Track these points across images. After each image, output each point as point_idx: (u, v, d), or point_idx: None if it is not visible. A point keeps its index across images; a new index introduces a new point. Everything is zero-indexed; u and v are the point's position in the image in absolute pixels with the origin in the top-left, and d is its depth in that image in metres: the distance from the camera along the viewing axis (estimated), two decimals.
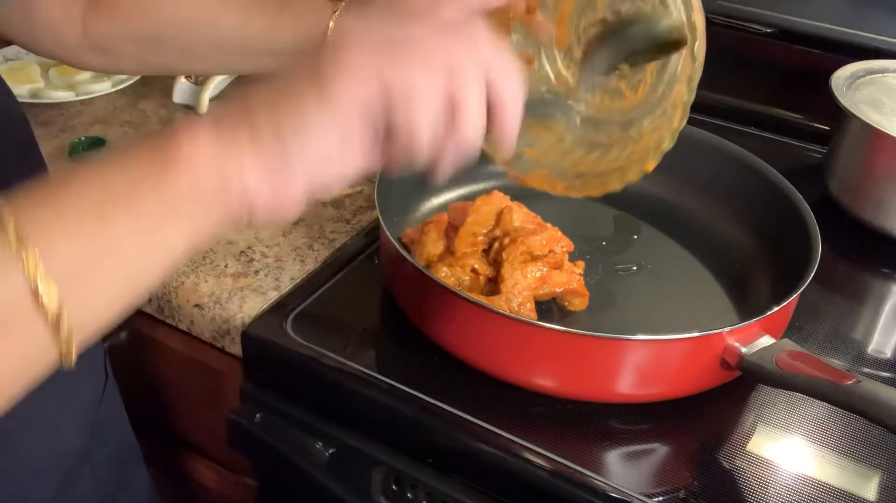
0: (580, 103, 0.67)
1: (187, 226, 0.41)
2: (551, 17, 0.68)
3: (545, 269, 0.72)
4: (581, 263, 0.76)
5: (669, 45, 0.62)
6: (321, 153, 0.42)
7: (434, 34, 0.44)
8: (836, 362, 0.73)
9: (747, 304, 0.76)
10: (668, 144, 0.61)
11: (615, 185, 0.63)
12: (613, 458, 0.65)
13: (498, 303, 0.69)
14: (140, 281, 0.41)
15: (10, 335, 0.37)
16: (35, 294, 0.37)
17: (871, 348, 0.77)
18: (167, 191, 0.40)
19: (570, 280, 0.73)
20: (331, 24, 0.69)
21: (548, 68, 0.69)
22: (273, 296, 0.78)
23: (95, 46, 0.73)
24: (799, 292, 0.67)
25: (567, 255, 0.75)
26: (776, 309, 0.65)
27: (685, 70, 0.61)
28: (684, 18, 0.60)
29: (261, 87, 0.42)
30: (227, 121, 0.42)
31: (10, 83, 0.69)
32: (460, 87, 0.43)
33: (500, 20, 0.70)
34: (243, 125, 0.41)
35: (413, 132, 0.43)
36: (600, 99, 0.66)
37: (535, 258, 0.72)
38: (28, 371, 0.39)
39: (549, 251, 0.73)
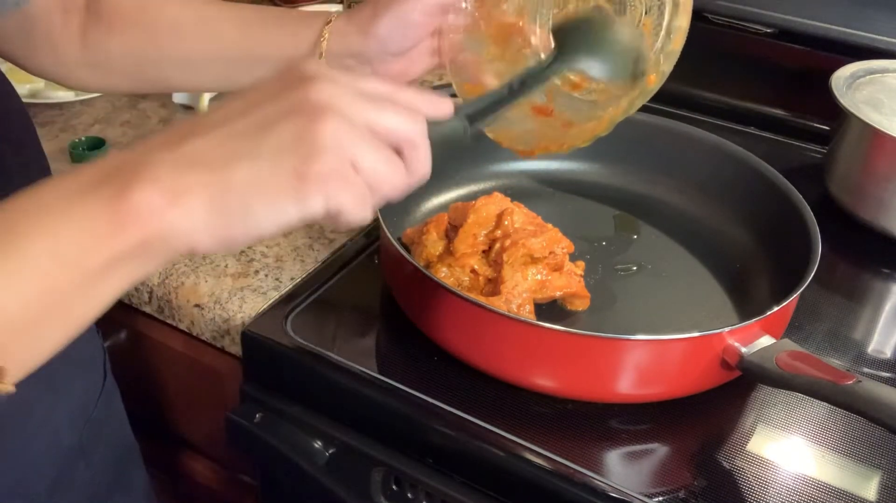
0: (586, 94, 0.68)
1: (130, 275, 0.42)
2: (547, 23, 0.69)
3: (545, 272, 0.72)
4: (581, 264, 0.76)
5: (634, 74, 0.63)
6: (265, 221, 0.42)
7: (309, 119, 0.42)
8: (836, 362, 0.73)
9: (747, 304, 0.76)
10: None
11: (623, 113, 0.64)
12: (613, 458, 0.65)
13: (497, 304, 0.69)
14: (79, 324, 0.43)
15: None
16: None
17: (871, 348, 0.77)
18: (116, 254, 0.40)
19: (569, 283, 0.73)
20: (325, 34, 0.69)
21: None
22: (273, 296, 0.78)
23: (93, 62, 0.73)
24: (799, 292, 0.67)
25: (567, 257, 0.75)
26: (776, 309, 0.65)
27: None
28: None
29: (206, 138, 0.42)
30: (180, 176, 0.41)
31: None
32: (356, 157, 0.42)
33: (494, 31, 0.71)
34: (199, 189, 0.41)
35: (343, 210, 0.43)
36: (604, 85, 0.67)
37: (535, 260, 0.72)
38: None
39: (550, 253, 0.73)
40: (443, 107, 0.48)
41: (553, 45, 0.62)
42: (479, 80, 0.70)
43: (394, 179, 0.44)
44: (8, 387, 0.40)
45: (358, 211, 0.43)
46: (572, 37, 0.62)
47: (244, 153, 0.41)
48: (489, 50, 0.71)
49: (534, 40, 0.71)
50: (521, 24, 0.70)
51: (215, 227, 0.41)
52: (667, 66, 0.62)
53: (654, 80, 0.63)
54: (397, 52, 0.70)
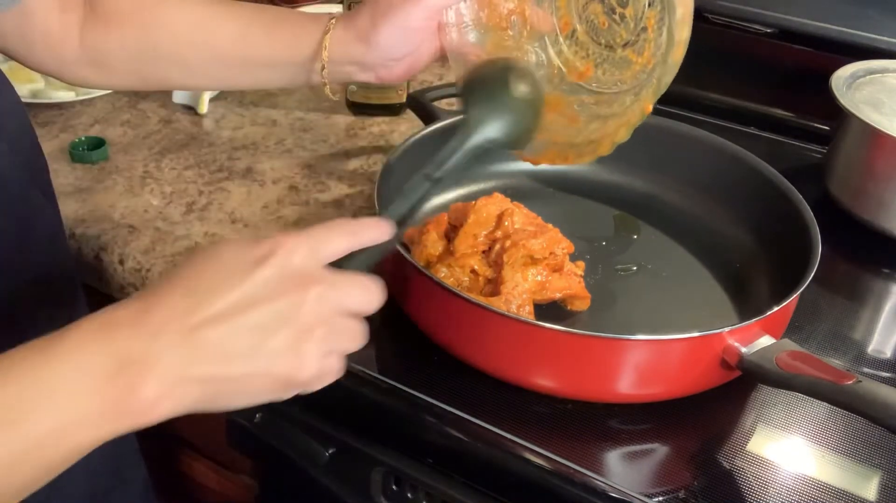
0: (592, 84, 0.68)
1: (105, 440, 0.46)
2: (551, 6, 0.69)
3: (545, 273, 0.72)
4: (581, 264, 0.76)
5: None
6: (240, 405, 0.49)
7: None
8: (836, 362, 0.73)
9: (747, 304, 0.76)
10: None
11: (624, 136, 0.64)
12: (613, 458, 0.65)
13: (497, 305, 0.69)
14: (51, 475, 0.46)
15: None
16: None
17: (871, 348, 0.77)
18: (107, 436, 0.45)
19: (569, 284, 0.73)
20: (325, 43, 0.69)
21: (556, 60, 0.69)
22: None
23: (92, 60, 0.73)
24: (799, 292, 0.67)
25: (567, 257, 0.75)
26: (776, 309, 0.65)
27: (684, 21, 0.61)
28: None
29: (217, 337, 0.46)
30: (184, 371, 0.45)
31: None
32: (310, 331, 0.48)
33: (496, 20, 0.70)
34: (197, 384, 0.46)
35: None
36: (610, 73, 0.66)
37: (535, 261, 0.72)
38: None
39: (550, 253, 0.73)
40: (387, 233, 0.54)
41: (464, 110, 0.63)
42: None
43: (351, 348, 0.51)
44: None
45: (327, 382, 0.51)
46: (478, 104, 0.62)
47: (243, 355, 0.46)
48: (491, 40, 0.70)
49: (536, 24, 0.70)
50: (523, 9, 0.70)
51: (197, 405, 0.47)
52: (667, 78, 0.62)
53: (650, 107, 0.63)
54: (400, 58, 0.70)
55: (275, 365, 0.47)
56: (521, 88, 0.63)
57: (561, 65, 0.69)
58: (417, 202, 0.58)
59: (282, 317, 0.47)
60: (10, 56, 0.73)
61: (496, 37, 0.70)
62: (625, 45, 0.65)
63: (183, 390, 0.45)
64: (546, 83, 0.69)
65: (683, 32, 0.60)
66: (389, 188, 0.76)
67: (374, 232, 0.53)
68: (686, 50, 0.61)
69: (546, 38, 0.70)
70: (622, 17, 0.65)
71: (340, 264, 0.51)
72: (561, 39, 0.69)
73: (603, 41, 0.67)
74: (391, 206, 0.57)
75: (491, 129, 0.62)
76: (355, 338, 0.51)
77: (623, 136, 0.63)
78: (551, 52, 0.70)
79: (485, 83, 0.64)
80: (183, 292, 0.47)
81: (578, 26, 0.68)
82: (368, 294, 0.51)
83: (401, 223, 0.56)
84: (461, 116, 0.63)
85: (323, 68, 0.70)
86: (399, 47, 0.69)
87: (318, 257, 0.49)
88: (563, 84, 0.69)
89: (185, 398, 0.46)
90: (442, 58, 0.72)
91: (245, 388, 0.48)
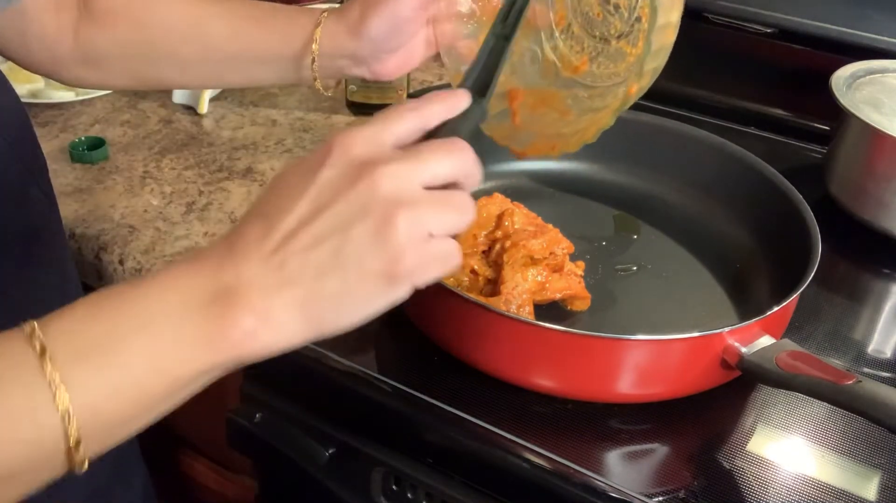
0: (586, 79, 0.68)
1: (215, 378, 0.45)
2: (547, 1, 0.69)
3: (545, 274, 0.72)
4: (581, 264, 0.76)
5: None
6: (356, 317, 0.46)
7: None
8: (836, 362, 0.73)
9: (747, 304, 0.76)
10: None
11: (608, 122, 0.63)
12: (613, 458, 0.65)
13: (497, 305, 0.69)
14: (157, 418, 0.45)
15: (27, 441, 0.41)
16: (62, 420, 0.40)
17: (871, 348, 0.77)
18: (209, 368, 0.44)
19: (569, 285, 0.73)
20: (316, 36, 0.69)
21: (551, 55, 0.69)
22: None
23: (87, 59, 0.73)
24: (799, 292, 0.67)
25: (567, 257, 0.75)
26: (776, 309, 0.65)
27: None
28: None
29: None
30: (276, 297, 0.44)
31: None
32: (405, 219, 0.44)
33: (489, 14, 0.70)
34: (293, 306, 0.44)
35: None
36: (605, 67, 0.66)
37: (535, 261, 0.72)
38: (38, 474, 0.43)
39: (550, 253, 0.73)
40: (461, 102, 0.49)
41: None
42: None
43: (459, 225, 0.46)
44: (83, 466, 0.42)
45: (445, 271, 0.46)
46: None
47: (329, 265, 0.44)
48: (484, 34, 0.70)
49: (532, 19, 0.70)
50: None
51: (307, 332, 0.44)
52: (652, 64, 0.62)
53: (635, 90, 0.62)
54: (392, 50, 0.69)
55: (366, 263, 0.43)
56: None
57: (556, 60, 0.69)
58: (495, 64, 0.52)
59: (356, 211, 0.43)
60: (6, 56, 0.73)
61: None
62: (619, 37, 0.65)
63: (282, 317, 0.43)
64: (540, 78, 0.69)
65: (672, 15, 0.60)
66: None
67: (445, 104, 0.48)
68: (676, 35, 0.60)
69: (541, 33, 0.70)
70: (616, 7, 0.65)
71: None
72: (556, 33, 0.69)
73: (598, 33, 0.67)
74: (467, 77, 0.52)
75: None
76: (458, 208, 0.45)
77: (607, 122, 0.63)
78: (546, 47, 0.70)
79: None
80: (256, 218, 0.45)
81: (574, 19, 0.68)
82: (454, 158, 0.46)
83: (482, 90, 0.51)
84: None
85: (313, 62, 0.70)
86: (390, 39, 0.69)
87: (382, 140, 0.46)
88: (558, 79, 0.69)
89: (287, 325, 0.44)
90: (438, 57, 0.72)
91: (348, 300, 0.44)
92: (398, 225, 0.43)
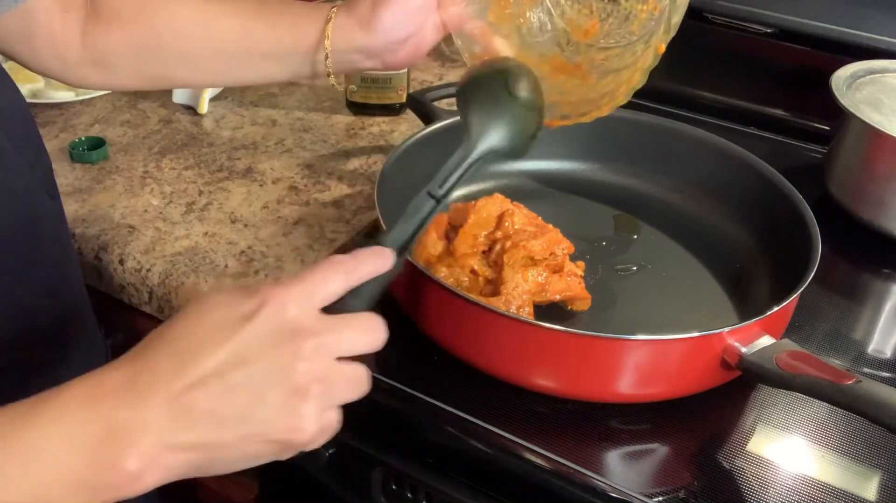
0: (599, 41, 0.67)
1: None
2: None
3: (545, 275, 0.72)
4: (581, 264, 0.76)
5: None
6: (239, 468, 0.46)
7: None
8: (836, 362, 0.73)
9: (747, 304, 0.76)
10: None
11: (640, 81, 0.63)
12: (613, 458, 0.65)
13: (497, 305, 0.69)
14: None
15: None
16: None
17: (871, 348, 0.77)
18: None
19: (569, 287, 0.73)
20: (328, 32, 0.69)
21: (560, 23, 0.69)
22: None
23: (95, 60, 0.73)
24: (799, 292, 0.67)
25: (567, 258, 0.75)
26: (776, 309, 0.65)
27: None
28: None
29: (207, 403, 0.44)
30: (173, 438, 0.43)
31: None
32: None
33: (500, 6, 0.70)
34: (187, 453, 0.44)
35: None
36: (617, 27, 0.66)
37: (535, 262, 0.72)
38: None
39: (550, 254, 0.73)
40: (386, 263, 0.51)
41: (464, 119, 0.61)
42: (490, 47, 0.69)
43: (353, 397, 0.48)
44: None
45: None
46: (478, 112, 0.60)
47: (233, 421, 0.44)
48: (493, 11, 0.70)
49: None
50: None
51: (190, 474, 0.45)
52: (676, 18, 0.61)
53: (663, 48, 0.62)
54: (403, 40, 0.69)
55: (270, 428, 0.44)
56: (521, 92, 0.61)
57: (566, 26, 0.68)
58: (421, 224, 0.55)
59: (275, 376, 0.44)
60: (12, 58, 0.73)
61: (497, 7, 0.70)
62: None
63: (171, 459, 0.43)
64: (553, 46, 0.68)
65: None
66: (389, 188, 0.76)
67: (373, 264, 0.50)
68: None
69: (548, 2, 0.69)
70: None
71: (339, 303, 0.48)
72: (564, 2, 0.69)
73: None
74: (392, 231, 0.54)
75: (493, 139, 0.60)
76: (357, 384, 0.48)
77: (639, 81, 0.62)
78: (555, 15, 0.69)
79: (482, 89, 0.62)
80: (169, 354, 0.44)
81: None
82: (369, 334, 0.48)
83: (403, 249, 0.53)
84: (460, 123, 0.61)
85: (326, 57, 0.70)
86: (401, 29, 0.69)
87: (313, 304, 0.46)
88: (570, 45, 0.69)
89: (174, 467, 0.44)
90: (438, 57, 0.72)
91: (240, 454, 0.45)
92: (309, 400, 0.45)
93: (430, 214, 0.56)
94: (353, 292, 0.49)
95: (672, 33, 0.61)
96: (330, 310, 0.47)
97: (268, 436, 0.45)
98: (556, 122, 0.68)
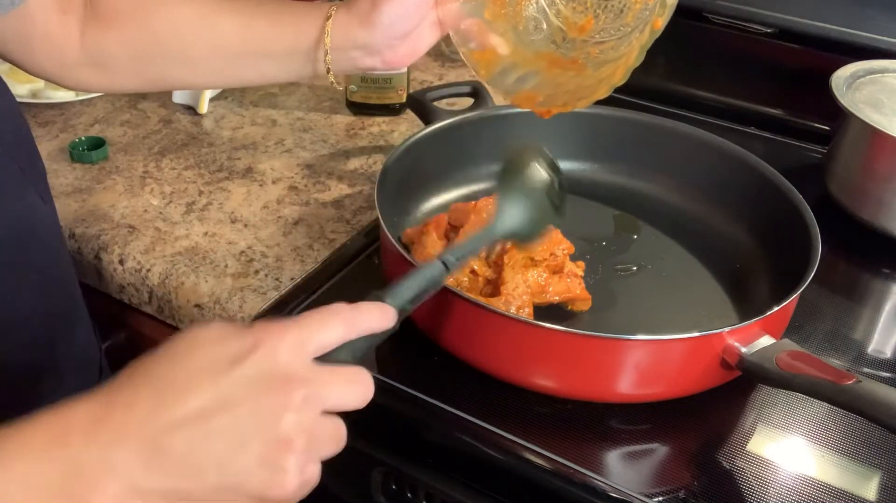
0: (594, 35, 0.67)
1: None
2: None
3: (546, 275, 0.72)
4: (581, 264, 0.76)
5: None
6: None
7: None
8: (836, 362, 0.73)
9: (747, 304, 0.76)
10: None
11: (637, 60, 0.63)
12: (613, 458, 0.65)
13: (497, 306, 0.69)
14: None
15: None
16: None
17: (871, 348, 0.77)
18: None
19: (569, 288, 0.73)
20: (328, 29, 0.69)
21: (556, 21, 0.69)
22: (273, 296, 0.78)
23: (93, 61, 0.73)
24: (799, 292, 0.67)
25: (568, 258, 0.75)
26: (776, 309, 0.65)
27: None
28: None
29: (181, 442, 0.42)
30: (143, 481, 0.41)
31: (10, 83, 0.68)
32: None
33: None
34: (157, 498, 0.41)
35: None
36: (611, 21, 0.66)
37: (535, 262, 0.72)
38: None
39: (550, 254, 0.73)
40: (387, 323, 0.50)
41: (500, 210, 0.64)
42: (486, 44, 0.69)
43: (331, 454, 0.46)
44: None
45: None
46: (514, 199, 0.64)
47: (209, 468, 0.41)
48: (489, 11, 0.70)
49: None
50: None
51: None
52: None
53: (661, 23, 0.62)
54: (402, 37, 0.69)
55: (248, 481, 0.42)
56: (557, 201, 0.66)
57: (561, 24, 0.69)
58: (426, 288, 0.54)
59: (260, 424, 0.42)
60: (10, 61, 0.73)
61: (494, 5, 0.70)
62: None
63: None
64: (549, 44, 0.68)
65: None
66: (389, 188, 0.77)
67: (375, 320, 0.49)
68: None
69: (542, 1, 0.69)
70: None
71: (328, 352, 0.47)
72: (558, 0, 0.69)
73: None
74: (396, 289, 0.53)
75: (518, 228, 0.64)
76: (339, 440, 0.46)
77: (636, 59, 0.62)
78: (550, 13, 0.69)
79: (526, 184, 0.66)
80: (150, 390, 0.42)
81: None
82: (358, 390, 0.46)
83: (404, 309, 0.52)
84: (496, 197, 0.65)
85: (326, 55, 0.70)
86: (400, 25, 0.68)
87: (307, 352, 0.45)
88: (566, 43, 0.69)
89: None
90: (438, 57, 0.72)
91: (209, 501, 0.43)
92: (293, 453, 0.42)
93: (438, 281, 0.55)
94: (345, 343, 0.48)
95: (672, 9, 0.61)
96: (318, 358, 0.46)
97: (244, 489, 0.42)
98: (554, 110, 0.68)
